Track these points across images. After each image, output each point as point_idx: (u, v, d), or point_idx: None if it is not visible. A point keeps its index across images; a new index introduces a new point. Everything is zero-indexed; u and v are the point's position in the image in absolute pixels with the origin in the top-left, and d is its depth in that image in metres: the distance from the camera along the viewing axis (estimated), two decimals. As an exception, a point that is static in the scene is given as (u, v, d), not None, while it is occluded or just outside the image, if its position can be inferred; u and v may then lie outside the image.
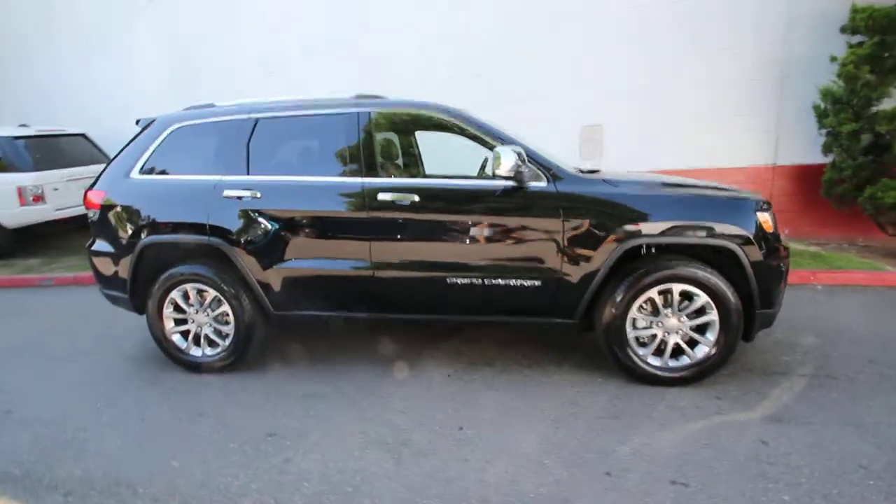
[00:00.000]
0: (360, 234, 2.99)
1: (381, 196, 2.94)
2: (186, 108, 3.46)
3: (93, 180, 3.44)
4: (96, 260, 3.41)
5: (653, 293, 2.78)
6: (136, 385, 3.20)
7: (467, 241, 2.90)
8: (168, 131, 3.30)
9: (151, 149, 3.30)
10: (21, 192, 6.14)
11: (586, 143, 6.56)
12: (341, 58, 6.95)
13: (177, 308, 3.27)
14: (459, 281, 2.93)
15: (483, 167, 3.88)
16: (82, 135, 7.17)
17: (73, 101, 7.82)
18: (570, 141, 6.38)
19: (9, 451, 2.55)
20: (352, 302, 3.12)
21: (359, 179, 3.00)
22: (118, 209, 3.28)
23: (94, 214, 3.36)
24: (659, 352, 2.88)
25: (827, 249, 5.49)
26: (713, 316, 2.76)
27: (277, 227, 3.06)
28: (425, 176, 4.14)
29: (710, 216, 2.76)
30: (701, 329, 2.82)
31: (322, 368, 3.31)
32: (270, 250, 3.08)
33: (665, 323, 2.83)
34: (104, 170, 3.43)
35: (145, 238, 3.20)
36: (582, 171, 3.03)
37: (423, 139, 4.37)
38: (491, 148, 2.91)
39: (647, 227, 2.76)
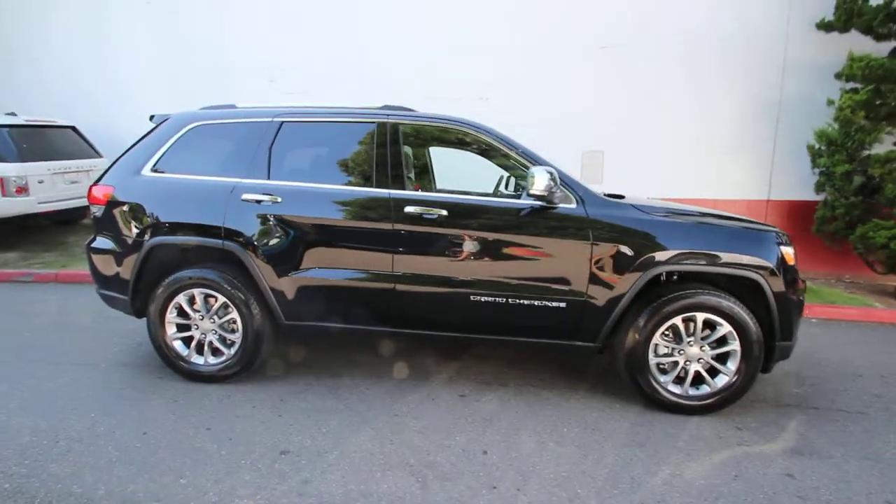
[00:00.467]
0: (383, 246, 2.91)
1: (409, 209, 2.89)
2: (204, 107, 3.35)
3: (87, 175, 3.28)
4: (96, 258, 3.22)
5: (677, 320, 2.78)
6: (133, 394, 3.01)
7: (493, 259, 2.87)
8: (185, 129, 3.18)
9: (166, 146, 3.17)
10: (3, 183, 5.82)
11: (587, 167, 6.68)
12: (345, 68, 6.93)
13: (181, 313, 3.11)
14: (483, 299, 2.88)
15: (498, 185, 3.87)
16: (72, 127, 6.87)
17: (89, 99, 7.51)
18: (572, 164, 6.47)
19: (-5, 463, 2.33)
20: (369, 315, 3.02)
21: (386, 191, 2.94)
22: (126, 206, 3.12)
23: (98, 210, 3.19)
24: (679, 379, 2.88)
25: (817, 284, 5.66)
26: (735, 346, 2.77)
27: (296, 233, 2.96)
28: (437, 191, 4.13)
29: (736, 247, 2.79)
30: (721, 358, 2.83)
31: (329, 382, 3.19)
32: (287, 257, 2.97)
33: (687, 351, 2.83)
34: (112, 165, 3.26)
35: (154, 238, 3.04)
36: (607, 196, 3.04)
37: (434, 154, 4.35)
38: (519, 167, 2.90)
39: (675, 255, 2.78)
